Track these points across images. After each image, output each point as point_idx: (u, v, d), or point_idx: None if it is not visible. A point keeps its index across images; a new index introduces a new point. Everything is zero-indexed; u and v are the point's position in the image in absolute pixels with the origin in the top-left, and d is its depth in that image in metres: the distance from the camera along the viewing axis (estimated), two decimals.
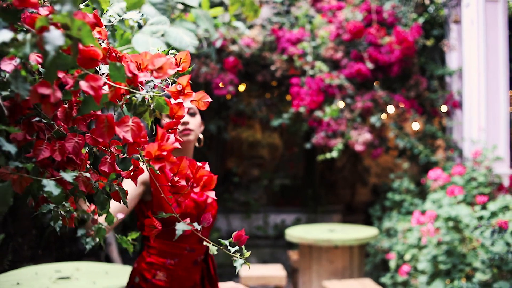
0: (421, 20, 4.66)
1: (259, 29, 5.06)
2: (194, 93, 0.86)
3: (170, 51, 1.30)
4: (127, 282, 1.99)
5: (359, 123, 4.67)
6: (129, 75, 0.70)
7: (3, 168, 0.85)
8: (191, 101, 0.92)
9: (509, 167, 4.36)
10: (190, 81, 0.82)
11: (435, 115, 4.89)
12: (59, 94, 0.67)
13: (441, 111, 4.79)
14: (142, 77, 0.72)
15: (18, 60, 0.74)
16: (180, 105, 0.86)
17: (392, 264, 3.90)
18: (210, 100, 0.87)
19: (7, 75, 0.80)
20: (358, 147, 4.51)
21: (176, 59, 0.93)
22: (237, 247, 0.81)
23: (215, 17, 3.08)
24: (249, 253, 0.82)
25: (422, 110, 4.86)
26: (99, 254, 4.97)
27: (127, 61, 0.87)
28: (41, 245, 4.16)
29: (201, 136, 2.04)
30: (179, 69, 0.85)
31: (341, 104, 4.72)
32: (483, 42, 4.41)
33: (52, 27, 0.64)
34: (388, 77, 4.85)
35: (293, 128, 5.55)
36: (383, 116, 4.94)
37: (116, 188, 0.98)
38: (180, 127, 1.92)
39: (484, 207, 3.36)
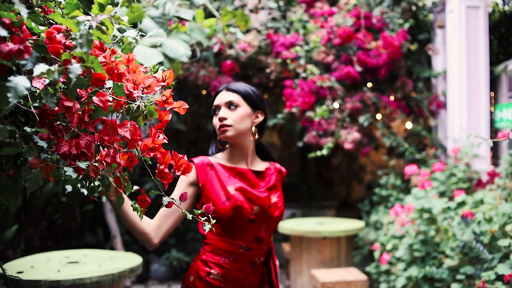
0: (406, 26, 4.94)
1: (254, 34, 5.35)
2: (175, 101, 1.14)
3: (160, 67, 1.61)
4: (182, 281, 1.95)
5: (348, 122, 4.96)
6: (127, 92, 1.00)
7: (33, 159, 1.14)
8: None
9: (490, 164, 4.63)
10: (172, 94, 1.11)
11: (421, 115, 5.16)
12: (78, 106, 0.96)
13: (427, 111, 5.07)
14: (136, 93, 1.01)
15: (47, 81, 1.03)
16: (165, 111, 1.15)
17: (377, 254, 4.18)
18: (187, 107, 1.16)
19: (38, 91, 1.09)
20: (348, 146, 4.79)
21: (162, 76, 1.22)
22: (206, 217, 1.10)
23: (211, 26, 3.35)
24: (214, 220, 1.11)
25: (408, 110, 5.14)
26: (104, 246, 5.27)
27: (127, 78, 1.16)
28: (50, 237, 4.48)
29: (253, 129, 1.93)
30: (164, 84, 1.14)
31: (335, 105, 5.00)
32: (465, 46, 4.68)
33: (73, 60, 0.93)
34: (377, 79, 5.13)
35: (288, 127, 5.84)
36: (378, 116, 5.24)
37: (118, 175, 1.28)
38: (218, 123, 1.87)
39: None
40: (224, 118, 1.84)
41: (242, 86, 1.95)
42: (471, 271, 2.92)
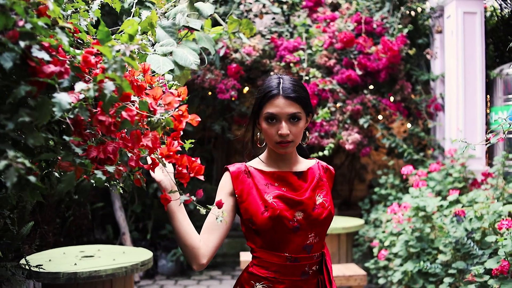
0: (406, 31, 5.11)
1: (259, 38, 5.53)
2: (189, 115, 1.32)
3: (174, 83, 1.80)
4: None
5: (349, 124, 5.14)
6: (151, 109, 1.18)
7: (65, 162, 1.33)
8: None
9: (485, 165, 4.79)
10: (187, 109, 1.30)
11: (419, 117, 5.34)
12: (109, 119, 1.15)
13: (425, 113, 5.24)
14: (158, 110, 1.20)
15: (81, 96, 1.21)
16: (180, 121, 1.33)
17: (376, 251, 4.36)
18: (199, 119, 1.34)
19: (72, 104, 1.28)
20: (348, 146, 4.97)
21: (178, 92, 1.40)
22: (218, 208, 1.29)
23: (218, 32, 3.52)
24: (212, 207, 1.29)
25: (407, 112, 5.32)
26: (114, 243, 5.47)
27: (146, 93, 1.34)
28: (63, 233, 4.67)
29: (307, 133, 1.82)
30: (179, 99, 1.32)
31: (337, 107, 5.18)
32: (462, 50, 4.85)
33: (106, 79, 1.12)
34: (377, 82, 5.31)
35: None
36: (379, 117, 5.41)
37: (138, 177, 1.46)
38: (278, 138, 1.68)
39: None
40: (287, 135, 1.67)
41: (300, 90, 1.72)
42: (463, 266, 3.10)
